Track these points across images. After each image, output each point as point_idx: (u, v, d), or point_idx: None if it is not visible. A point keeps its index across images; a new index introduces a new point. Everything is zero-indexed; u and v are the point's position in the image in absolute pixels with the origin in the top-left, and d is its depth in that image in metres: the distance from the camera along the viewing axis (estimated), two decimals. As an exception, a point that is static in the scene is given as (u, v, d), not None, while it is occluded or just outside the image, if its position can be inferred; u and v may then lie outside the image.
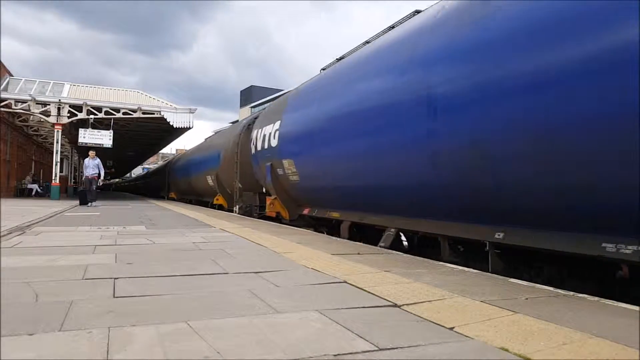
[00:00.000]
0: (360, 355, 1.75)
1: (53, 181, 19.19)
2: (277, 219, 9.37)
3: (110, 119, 19.74)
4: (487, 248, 4.02)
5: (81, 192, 15.03)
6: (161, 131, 25.00)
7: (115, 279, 3.11)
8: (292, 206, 8.85)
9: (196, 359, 1.69)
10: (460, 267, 3.86)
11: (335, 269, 3.62)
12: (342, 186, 6.63)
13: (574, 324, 2.15)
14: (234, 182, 12.34)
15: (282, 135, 8.32)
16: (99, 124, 20.18)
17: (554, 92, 3.11)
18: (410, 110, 4.56)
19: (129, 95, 22.08)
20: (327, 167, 6.85)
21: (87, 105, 19.01)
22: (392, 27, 7.22)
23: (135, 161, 50.90)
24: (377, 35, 7.74)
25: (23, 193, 23.04)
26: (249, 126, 11.67)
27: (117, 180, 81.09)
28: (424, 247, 5.70)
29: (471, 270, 3.74)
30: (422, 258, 4.38)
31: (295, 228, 7.91)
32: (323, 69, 9.68)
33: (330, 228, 7.92)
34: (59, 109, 18.59)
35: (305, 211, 8.29)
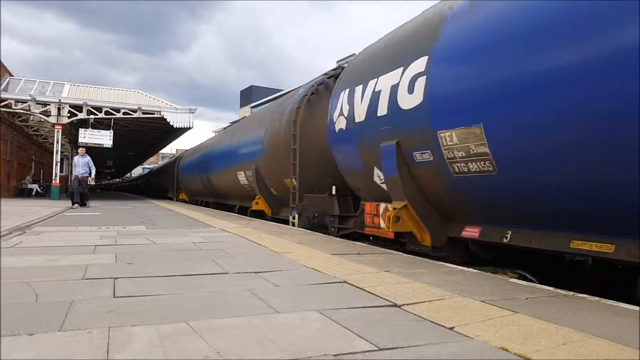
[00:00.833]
0: (360, 355, 1.75)
1: (53, 181, 19.20)
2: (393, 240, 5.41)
3: (111, 119, 19.75)
4: None
5: (72, 193, 13.85)
6: (161, 131, 25.01)
7: (115, 279, 3.11)
8: (436, 222, 4.81)
9: (196, 359, 1.69)
10: (460, 267, 3.86)
11: (335, 269, 3.62)
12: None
13: (574, 324, 2.15)
14: (287, 180, 8.53)
15: (442, 78, 4.26)
16: (99, 124, 20.19)
17: None
18: None
19: (129, 95, 22.08)
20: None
21: (87, 105, 19.01)
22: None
23: (135, 161, 50.90)
24: None
25: (23, 193, 23.05)
26: (314, 94, 8.19)
27: (117, 180, 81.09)
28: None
29: (471, 270, 3.74)
30: (422, 258, 4.38)
31: (295, 228, 7.88)
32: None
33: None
34: (59, 109, 18.60)
35: (470, 232, 4.45)
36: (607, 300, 2.72)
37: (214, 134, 29.48)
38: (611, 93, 2.89)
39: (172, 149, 68.78)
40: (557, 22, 3.22)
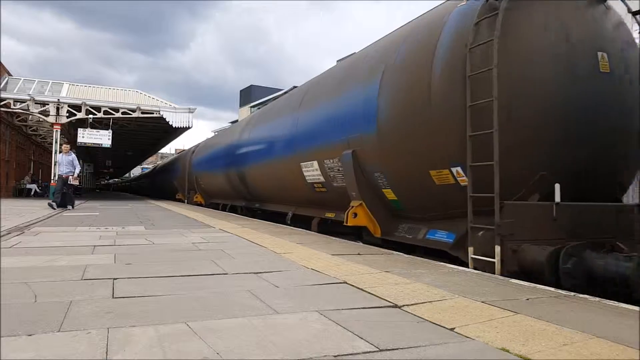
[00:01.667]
0: (361, 356, 1.74)
1: (52, 181, 19.14)
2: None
3: (109, 118, 19.72)
4: None
5: (54, 194, 12.70)
6: (160, 131, 24.97)
7: (114, 279, 3.10)
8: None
9: (195, 359, 1.68)
10: (461, 268, 3.85)
11: (335, 269, 3.61)
12: None
13: (575, 325, 2.15)
14: (437, 172, 4.53)
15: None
16: (97, 124, 20.17)
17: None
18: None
19: (128, 94, 22.06)
20: None
21: (86, 105, 18.98)
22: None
23: (134, 161, 50.85)
24: None
25: (22, 193, 23.00)
26: None
27: (117, 180, 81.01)
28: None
29: (472, 270, 3.74)
30: (422, 258, 4.37)
31: (295, 229, 7.88)
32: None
33: None
34: (57, 108, 18.57)
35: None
36: (607, 300, 2.72)
37: (213, 134, 29.01)
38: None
39: (171, 148, 68.79)
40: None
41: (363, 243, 5.90)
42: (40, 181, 26.12)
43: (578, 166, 4.10)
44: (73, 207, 12.27)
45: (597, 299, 2.75)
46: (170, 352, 1.73)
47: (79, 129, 19.63)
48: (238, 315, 2.27)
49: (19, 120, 21.62)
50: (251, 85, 62.48)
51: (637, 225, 3.72)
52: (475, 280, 3.29)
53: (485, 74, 3.95)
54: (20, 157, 24.04)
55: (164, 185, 27.68)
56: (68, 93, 20.43)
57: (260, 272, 3.45)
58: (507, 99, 3.96)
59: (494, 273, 3.66)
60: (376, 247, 5.21)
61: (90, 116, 19.05)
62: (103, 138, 19.67)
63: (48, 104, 18.52)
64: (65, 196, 12.16)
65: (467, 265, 4.02)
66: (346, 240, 5.94)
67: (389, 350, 1.81)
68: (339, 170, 6.34)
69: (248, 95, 60.26)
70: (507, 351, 1.81)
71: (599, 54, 4.22)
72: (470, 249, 4.07)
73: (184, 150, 30.92)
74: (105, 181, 79.62)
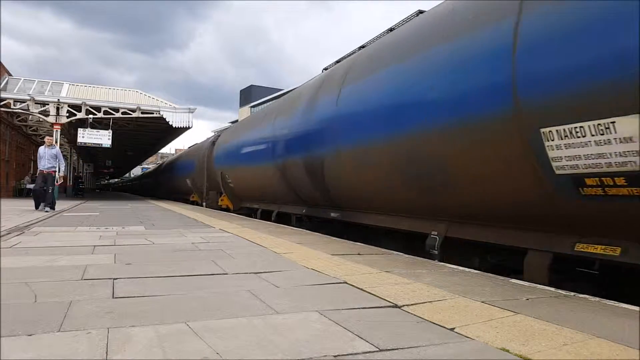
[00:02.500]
0: (361, 356, 1.74)
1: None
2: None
3: (109, 118, 19.72)
4: None
5: (37, 190, 10.98)
6: (160, 131, 24.97)
7: (114, 279, 3.10)
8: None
9: (195, 359, 1.68)
10: (461, 268, 3.85)
11: (335, 269, 3.61)
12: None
13: (575, 325, 2.15)
14: None
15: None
16: (98, 124, 20.17)
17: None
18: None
19: (128, 94, 22.06)
20: None
21: (86, 105, 18.99)
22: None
23: (134, 161, 50.85)
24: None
25: (22, 193, 23.00)
26: None
27: (117, 180, 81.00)
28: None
29: (472, 270, 3.74)
30: (422, 258, 4.37)
31: (295, 228, 7.89)
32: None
33: None
34: (57, 108, 18.57)
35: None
36: (607, 300, 2.71)
37: (213, 134, 28.71)
38: None
39: (171, 148, 68.79)
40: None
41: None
42: (60, 179, 25.98)
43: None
44: (53, 208, 10.75)
45: (597, 298, 2.75)
46: (170, 352, 1.73)
47: (79, 129, 19.63)
48: (238, 315, 2.27)
49: (19, 120, 21.63)
50: (251, 85, 62.41)
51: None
52: (475, 280, 3.29)
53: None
54: (20, 157, 24.04)
55: (173, 185, 24.37)
56: (68, 93, 20.43)
57: (261, 272, 3.45)
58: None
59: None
60: (377, 248, 5.21)
61: (90, 116, 19.05)
62: (103, 138, 19.68)
63: (48, 104, 18.52)
64: (45, 195, 10.69)
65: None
66: (346, 240, 5.94)
67: (389, 350, 1.81)
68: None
69: (248, 95, 60.22)
70: (507, 351, 1.81)
71: None
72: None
73: (184, 149, 30.28)
74: (106, 181, 79.64)
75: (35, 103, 18.34)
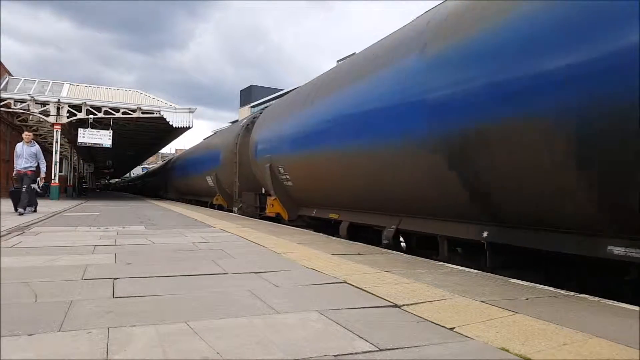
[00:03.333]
0: (361, 356, 1.75)
1: (52, 181, 19.16)
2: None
3: (110, 118, 19.73)
4: None
5: (13, 192, 9.78)
6: (161, 131, 24.98)
7: (114, 279, 3.10)
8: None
9: (195, 359, 1.68)
10: (461, 267, 3.86)
11: (335, 269, 3.62)
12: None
13: (575, 324, 2.15)
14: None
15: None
16: (98, 124, 20.17)
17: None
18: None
19: (128, 95, 22.07)
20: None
21: (86, 105, 19.00)
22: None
23: (134, 161, 50.88)
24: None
25: (22, 193, 22.98)
26: None
27: (117, 180, 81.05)
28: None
29: (471, 270, 3.74)
30: (422, 258, 4.37)
31: (295, 228, 7.90)
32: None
33: None
34: (58, 108, 18.58)
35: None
36: (607, 300, 2.72)
37: (212, 133, 28.38)
38: None
39: (171, 148, 68.84)
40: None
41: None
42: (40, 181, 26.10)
43: None
44: (33, 210, 9.75)
45: (597, 298, 2.75)
46: (170, 352, 1.74)
47: (79, 129, 19.64)
48: (238, 315, 2.28)
49: (19, 121, 21.63)
50: (251, 85, 62.42)
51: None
52: (475, 279, 3.29)
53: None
54: (20, 157, 24.02)
55: (187, 184, 20.47)
56: (68, 93, 20.45)
57: (261, 272, 3.46)
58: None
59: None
60: (377, 247, 5.21)
61: (91, 116, 19.06)
62: (103, 138, 19.68)
63: (48, 104, 18.54)
64: (16, 195, 9.42)
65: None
66: (345, 240, 5.94)
67: (389, 350, 1.81)
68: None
69: (248, 95, 60.23)
70: (507, 351, 1.81)
71: None
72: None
73: (184, 149, 29.44)
74: (106, 181, 79.68)
75: (36, 103, 18.35)
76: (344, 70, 6.98)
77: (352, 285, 3.02)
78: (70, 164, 30.10)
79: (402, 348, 1.83)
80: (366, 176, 5.82)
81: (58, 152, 19.10)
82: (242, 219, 9.81)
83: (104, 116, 19.43)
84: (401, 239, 5.82)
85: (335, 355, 1.74)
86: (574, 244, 3.37)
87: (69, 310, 2.29)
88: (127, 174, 76.38)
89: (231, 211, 12.98)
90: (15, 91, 19.18)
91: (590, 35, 2.97)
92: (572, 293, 2.89)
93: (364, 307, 2.47)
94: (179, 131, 23.47)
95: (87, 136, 19.41)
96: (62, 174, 27.56)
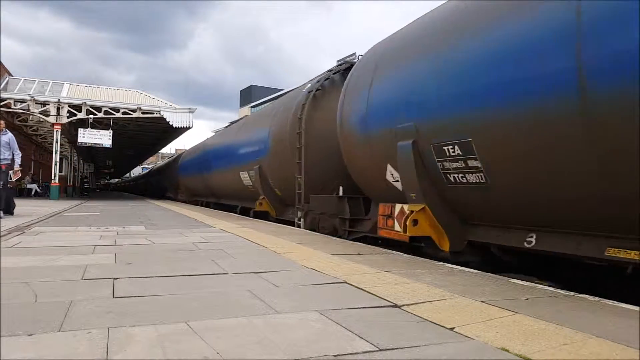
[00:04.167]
0: (361, 356, 1.75)
1: (52, 181, 19.16)
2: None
3: (110, 118, 19.73)
4: None
5: None
6: (161, 131, 25.00)
7: (114, 279, 3.10)
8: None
9: (196, 359, 1.68)
10: (461, 268, 3.85)
11: (335, 269, 3.62)
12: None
13: (575, 324, 2.15)
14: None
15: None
16: (98, 124, 20.17)
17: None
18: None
19: (128, 94, 22.07)
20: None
21: (86, 105, 18.99)
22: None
23: (134, 161, 50.89)
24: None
25: (22, 193, 23.01)
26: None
27: (117, 180, 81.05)
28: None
29: (471, 270, 3.74)
30: (422, 258, 4.37)
31: (295, 228, 7.89)
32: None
33: None
34: (58, 108, 18.58)
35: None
36: (607, 300, 2.72)
37: (213, 133, 28.34)
38: None
39: (171, 148, 68.85)
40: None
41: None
42: (40, 181, 26.15)
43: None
44: (10, 213, 8.56)
45: (597, 298, 2.75)
46: (170, 352, 1.74)
47: (79, 129, 19.64)
48: (238, 315, 2.28)
49: (19, 121, 21.64)
50: (251, 85, 62.45)
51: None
52: (475, 279, 3.29)
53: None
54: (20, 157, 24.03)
55: (209, 183, 15.53)
56: (68, 93, 20.45)
57: (261, 272, 3.46)
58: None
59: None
60: (376, 247, 5.21)
61: (91, 116, 19.06)
62: (103, 138, 19.68)
63: (48, 104, 18.53)
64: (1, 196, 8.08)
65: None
66: (345, 240, 5.94)
67: (389, 350, 1.81)
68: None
69: (248, 95, 60.26)
70: (507, 351, 1.81)
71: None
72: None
73: (184, 149, 28.66)
74: (106, 181, 79.71)
75: (36, 103, 18.35)
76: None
77: (352, 285, 3.02)
78: (70, 164, 30.12)
79: (402, 348, 1.83)
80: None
81: (58, 152, 19.09)
82: (242, 219, 9.79)
83: (104, 116, 19.42)
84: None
85: (335, 355, 1.74)
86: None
87: (69, 310, 2.29)
88: (127, 174, 76.38)
89: (289, 223, 8.57)
90: (15, 91, 19.19)
91: None
92: (572, 293, 2.89)
93: (364, 307, 2.47)
94: (179, 131, 23.47)
95: (87, 136, 19.40)
96: (62, 174, 27.58)
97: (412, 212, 4.61)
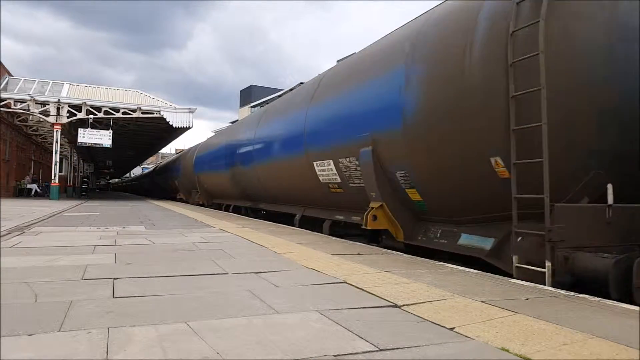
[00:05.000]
0: (361, 356, 1.75)
1: (52, 181, 19.15)
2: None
3: (110, 118, 19.72)
4: None
5: None
6: (161, 131, 24.97)
7: (114, 279, 3.10)
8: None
9: (196, 359, 1.68)
10: (461, 268, 3.85)
11: (335, 269, 3.62)
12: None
13: (575, 324, 2.15)
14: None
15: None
16: (98, 124, 20.16)
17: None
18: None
19: (128, 95, 22.06)
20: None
21: (86, 105, 18.99)
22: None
23: (134, 161, 50.86)
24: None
25: (22, 193, 23.00)
26: None
27: (117, 180, 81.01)
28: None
29: (472, 270, 3.74)
30: (422, 258, 4.37)
31: (295, 228, 7.89)
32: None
33: None
34: (58, 108, 18.57)
35: None
36: (607, 300, 2.72)
37: (213, 134, 27.81)
38: None
39: (171, 148, 68.80)
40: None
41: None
42: (40, 181, 26.16)
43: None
44: None
45: (597, 298, 2.75)
46: (170, 352, 1.74)
47: (79, 129, 19.63)
48: (238, 315, 2.28)
49: (19, 121, 21.64)
50: (251, 85, 62.42)
51: None
52: (475, 280, 3.29)
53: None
54: (20, 157, 24.05)
55: (241, 182, 11.75)
56: (68, 93, 20.44)
57: (260, 272, 3.46)
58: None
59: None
60: (376, 247, 5.21)
61: (91, 116, 19.05)
62: (103, 138, 19.67)
63: (48, 104, 18.52)
64: None
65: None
66: (345, 240, 5.94)
67: (389, 349, 1.81)
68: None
69: (248, 95, 60.20)
70: (507, 351, 1.81)
71: None
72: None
73: (184, 149, 28.02)
74: (106, 181, 79.66)
75: (36, 103, 18.34)
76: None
77: (352, 285, 3.02)
78: (70, 164, 30.12)
79: (402, 348, 1.83)
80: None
81: (58, 152, 19.09)
82: (242, 219, 9.78)
83: (103, 116, 19.41)
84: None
85: (335, 355, 1.74)
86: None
87: (69, 310, 2.29)
88: (127, 174, 76.32)
89: (427, 253, 4.96)
90: (15, 91, 19.18)
91: None
92: (572, 293, 2.89)
93: (364, 307, 2.47)
94: (179, 131, 23.44)
95: (87, 136, 19.39)
96: (62, 174, 27.58)
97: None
